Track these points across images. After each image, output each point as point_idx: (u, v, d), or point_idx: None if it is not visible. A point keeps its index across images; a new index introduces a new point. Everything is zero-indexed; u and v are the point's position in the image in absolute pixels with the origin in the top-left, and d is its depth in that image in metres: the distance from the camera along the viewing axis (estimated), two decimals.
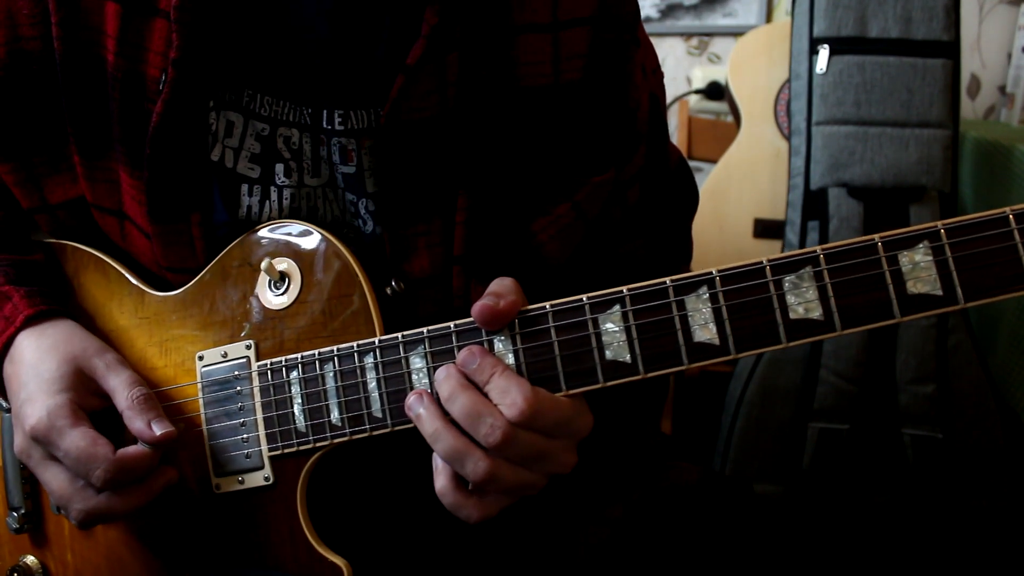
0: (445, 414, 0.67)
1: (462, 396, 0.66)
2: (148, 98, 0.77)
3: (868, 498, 1.80)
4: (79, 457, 0.72)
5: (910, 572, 1.77)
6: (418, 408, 0.68)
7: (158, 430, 0.74)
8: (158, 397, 0.80)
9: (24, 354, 0.79)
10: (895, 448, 1.78)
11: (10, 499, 0.85)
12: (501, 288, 0.69)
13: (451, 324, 0.70)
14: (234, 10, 0.77)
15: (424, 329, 0.71)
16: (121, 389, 0.76)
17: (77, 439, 0.73)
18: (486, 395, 0.66)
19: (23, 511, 0.85)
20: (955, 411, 1.76)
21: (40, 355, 0.78)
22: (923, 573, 1.76)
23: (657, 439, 1.06)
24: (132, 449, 0.74)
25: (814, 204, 1.85)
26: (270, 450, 0.76)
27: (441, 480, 0.68)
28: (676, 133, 2.44)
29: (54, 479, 0.76)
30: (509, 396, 0.65)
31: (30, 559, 0.86)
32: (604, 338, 0.66)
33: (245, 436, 0.77)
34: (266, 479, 0.77)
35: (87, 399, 0.77)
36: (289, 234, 0.78)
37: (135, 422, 0.75)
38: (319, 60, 0.78)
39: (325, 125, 0.79)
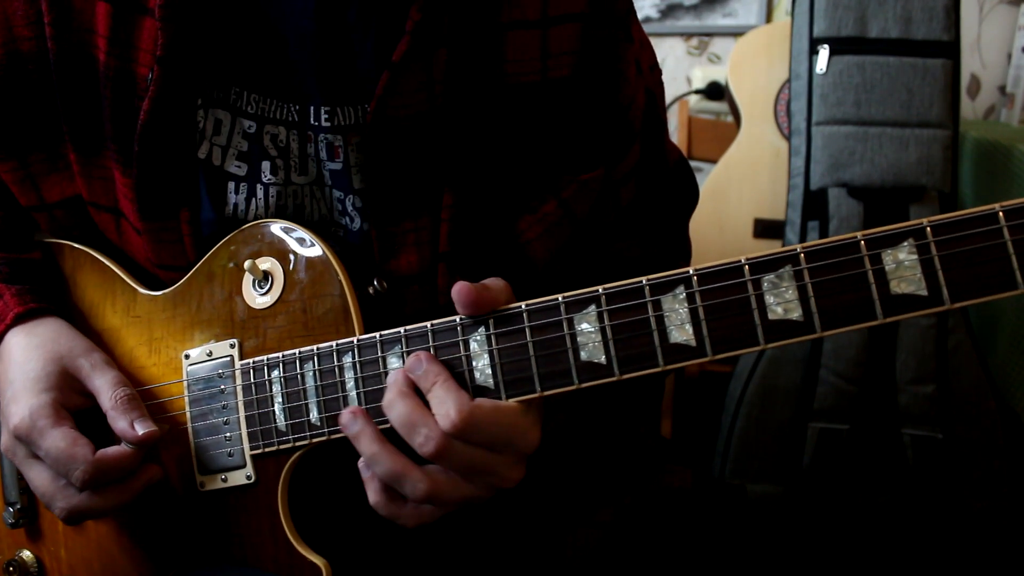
0: (382, 435, 0.67)
1: (399, 404, 0.66)
2: (138, 96, 0.78)
3: (868, 498, 1.79)
4: (58, 457, 0.73)
5: (910, 572, 1.77)
6: (353, 427, 0.68)
7: (140, 430, 0.74)
8: (145, 395, 0.80)
9: (12, 352, 0.79)
10: (895, 448, 1.78)
11: (6, 495, 0.86)
12: (492, 282, 0.69)
13: (428, 324, 0.70)
14: (219, 8, 0.77)
15: (401, 329, 0.71)
16: (106, 389, 0.77)
17: (57, 439, 0.73)
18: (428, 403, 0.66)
19: (19, 506, 0.85)
20: (955, 411, 1.75)
21: (27, 354, 0.78)
22: (923, 573, 1.75)
23: (652, 442, 1.06)
24: (112, 450, 0.74)
25: (814, 204, 1.84)
26: (252, 449, 0.77)
27: (372, 495, 0.69)
28: (676, 133, 2.44)
29: (37, 477, 0.76)
30: (444, 407, 0.65)
31: (26, 554, 0.86)
32: (579, 338, 0.65)
33: (228, 435, 0.78)
34: (248, 478, 0.77)
35: (71, 398, 0.78)
36: (273, 233, 0.78)
37: (118, 422, 0.75)
38: (305, 57, 0.78)
39: (312, 122, 0.79)
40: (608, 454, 0.97)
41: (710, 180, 2.12)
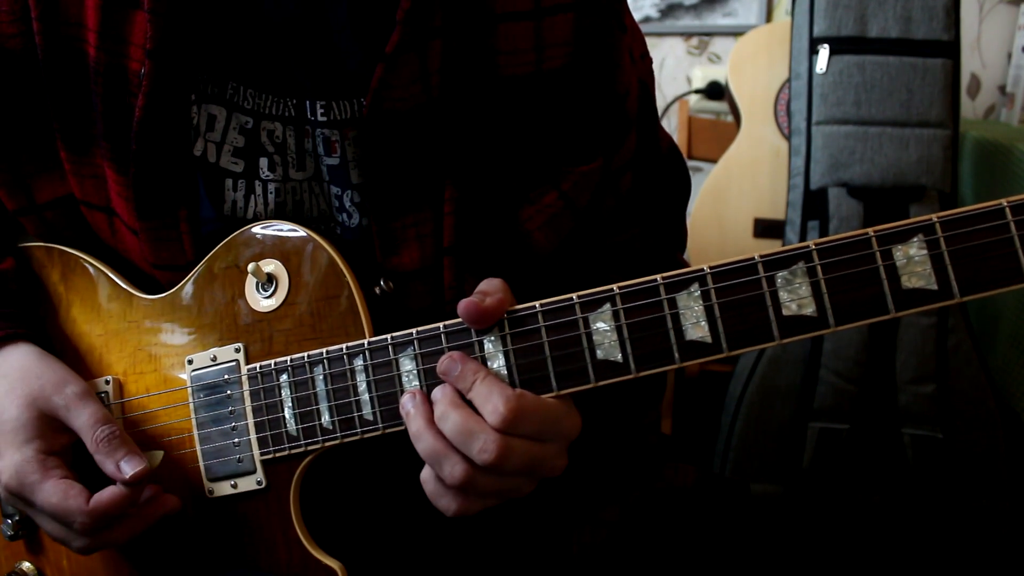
0: (431, 415, 0.67)
1: (453, 414, 0.65)
2: (131, 92, 0.76)
3: (868, 498, 1.80)
4: (54, 512, 0.72)
5: (910, 572, 1.77)
6: (409, 406, 0.68)
7: (128, 471, 0.72)
8: (147, 403, 0.79)
9: None
10: (895, 448, 1.78)
11: (3, 507, 0.84)
12: (488, 287, 0.68)
13: (440, 325, 0.69)
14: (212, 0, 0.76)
15: (413, 330, 0.70)
16: (86, 431, 0.74)
17: (48, 494, 0.72)
18: (470, 402, 0.66)
19: (16, 518, 0.83)
20: (955, 411, 1.75)
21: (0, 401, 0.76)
22: (923, 573, 1.76)
23: (655, 439, 1.06)
24: (106, 493, 0.72)
25: (814, 204, 1.84)
26: (262, 454, 0.76)
27: (426, 470, 0.68)
28: (676, 133, 2.44)
29: (45, 524, 0.76)
30: (490, 402, 0.64)
31: (26, 565, 0.85)
32: (595, 337, 0.65)
33: (236, 440, 0.77)
34: (259, 483, 0.76)
35: (56, 440, 0.76)
36: (276, 235, 0.77)
37: (106, 465, 0.73)
38: (298, 50, 0.77)
39: (309, 116, 0.78)
40: (612, 451, 0.97)
41: (710, 180, 2.12)
